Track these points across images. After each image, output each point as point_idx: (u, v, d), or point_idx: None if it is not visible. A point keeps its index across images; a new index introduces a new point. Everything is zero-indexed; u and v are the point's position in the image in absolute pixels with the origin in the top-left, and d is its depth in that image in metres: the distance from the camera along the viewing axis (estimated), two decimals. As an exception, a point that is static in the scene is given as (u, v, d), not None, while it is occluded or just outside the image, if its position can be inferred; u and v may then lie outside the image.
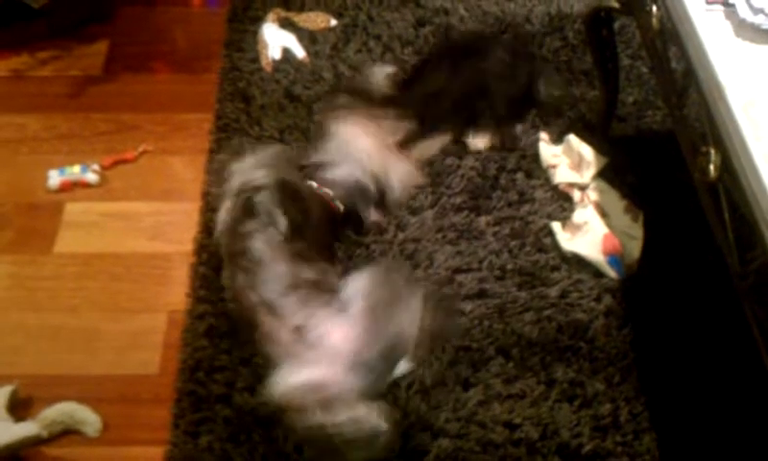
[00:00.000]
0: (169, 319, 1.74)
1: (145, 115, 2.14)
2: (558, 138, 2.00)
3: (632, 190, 1.88)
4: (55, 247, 1.88)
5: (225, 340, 1.66)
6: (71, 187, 1.97)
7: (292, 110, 2.10)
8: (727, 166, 1.29)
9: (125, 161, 2.03)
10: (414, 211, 1.88)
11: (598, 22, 1.83)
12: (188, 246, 1.84)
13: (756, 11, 1.36)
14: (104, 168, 2.01)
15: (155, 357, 1.68)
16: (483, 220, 1.86)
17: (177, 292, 1.77)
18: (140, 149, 2.05)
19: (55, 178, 1.98)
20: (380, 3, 2.39)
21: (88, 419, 1.58)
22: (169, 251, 1.86)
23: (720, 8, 1.41)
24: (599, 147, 1.94)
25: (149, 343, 1.71)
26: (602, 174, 1.91)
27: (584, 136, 1.96)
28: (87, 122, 2.13)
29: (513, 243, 1.82)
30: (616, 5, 1.74)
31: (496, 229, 1.85)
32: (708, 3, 1.42)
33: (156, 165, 2.03)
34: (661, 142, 1.97)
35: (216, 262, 1.77)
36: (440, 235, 1.83)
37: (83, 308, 1.78)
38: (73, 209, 1.95)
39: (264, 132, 2.05)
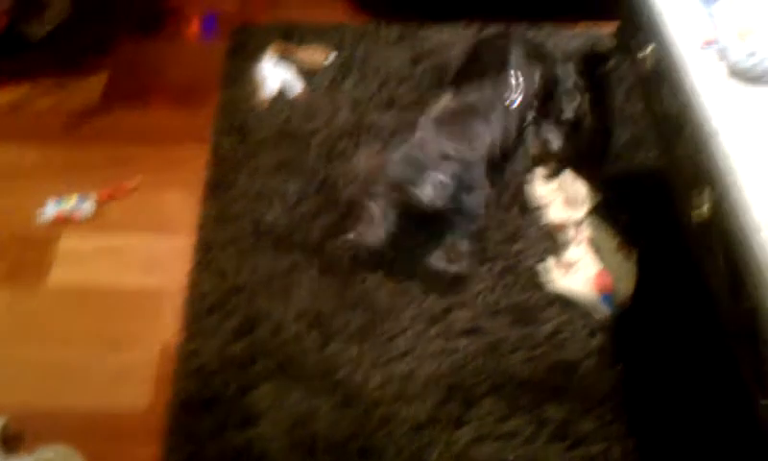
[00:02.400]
0: (161, 354, 1.72)
1: (141, 148, 2.15)
2: (552, 175, 2.00)
3: (624, 228, 1.89)
4: (49, 279, 1.87)
5: (216, 376, 1.66)
6: (66, 219, 1.97)
7: (288, 145, 2.11)
8: (719, 207, 1.29)
9: (121, 194, 2.04)
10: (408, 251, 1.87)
11: (593, 61, 1.85)
12: (181, 280, 1.83)
13: (750, 54, 1.37)
14: (99, 200, 2.02)
15: (146, 393, 1.67)
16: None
17: (169, 327, 1.76)
18: (136, 182, 2.05)
19: (50, 209, 1.98)
20: (377, 39, 2.41)
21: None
22: (162, 285, 1.85)
23: (714, 49, 1.43)
24: (593, 184, 1.95)
25: (140, 378, 1.70)
26: (595, 211, 1.92)
27: (578, 173, 1.97)
28: (84, 154, 2.13)
29: (505, 280, 1.82)
30: (612, 44, 1.76)
31: (488, 266, 1.85)
32: (702, 45, 1.44)
33: (151, 198, 2.04)
34: (654, 180, 1.97)
35: (209, 302, 1.76)
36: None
37: (75, 342, 1.77)
38: (68, 242, 1.94)
39: (260, 165, 2.05)
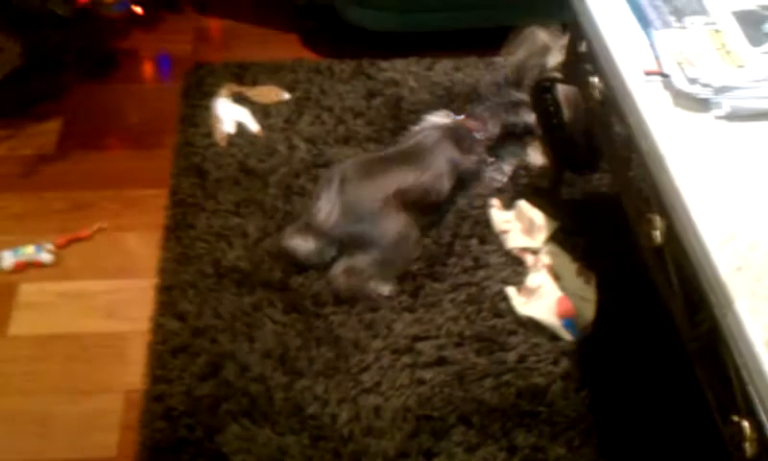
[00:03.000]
0: (126, 400, 1.71)
1: (99, 192, 2.14)
2: (509, 204, 2.04)
3: (583, 253, 1.93)
4: (9, 329, 1.85)
5: (183, 419, 1.65)
6: (25, 268, 1.95)
7: (247, 184, 2.12)
8: (670, 232, 1.33)
9: (79, 240, 2.02)
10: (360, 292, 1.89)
11: (543, 91, 1.89)
12: (144, 324, 1.82)
13: (692, 80, 1.42)
14: (58, 247, 2.00)
15: (112, 440, 1.65)
16: (439, 287, 1.89)
17: (133, 372, 1.75)
18: (95, 227, 2.04)
19: (8, 258, 1.95)
20: (331, 76, 2.44)
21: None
22: (125, 329, 1.84)
23: (658, 78, 1.48)
24: (549, 211, 1.99)
25: (106, 425, 1.68)
26: (553, 237, 1.96)
27: (534, 201, 2.01)
28: (41, 201, 2.12)
29: (469, 309, 1.85)
30: (559, 76, 1.81)
31: (453, 295, 1.87)
32: (646, 74, 1.49)
33: (110, 243, 2.03)
34: (610, 204, 2.03)
35: (173, 344, 1.76)
36: (397, 303, 1.85)
37: (37, 391, 1.74)
38: (27, 290, 1.92)
39: (220, 205, 2.06)
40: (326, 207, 1.84)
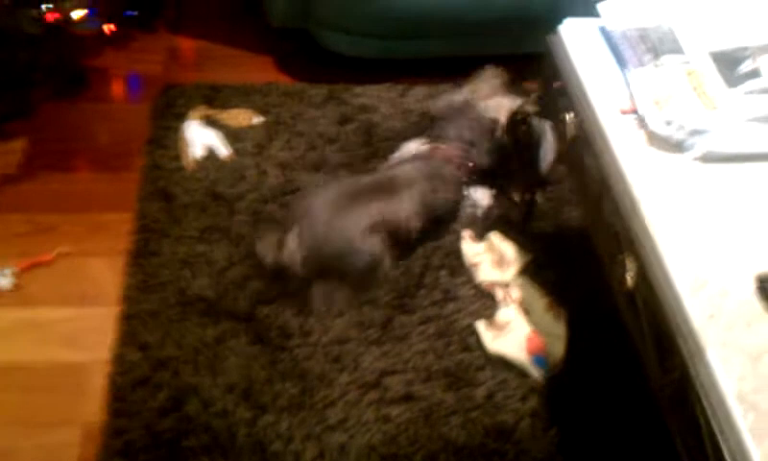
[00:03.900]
0: (85, 433, 1.65)
1: (63, 216, 2.09)
2: (480, 235, 2.02)
3: (553, 287, 1.91)
4: (-37, 357, 1.79)
5: (144, 455, 1.60)
6: (-18, 292, 1.90)
7: (214, 209, 2.07)
8: (642, 276, 1.31)
9: (41, 264, 1.97)
10: (338, 312, 1.85)
11: (516, 124, 1.88)
12: (105, 354, 1.77)
13: (666, 122, 1.41)
14: (19, 272, 1.94)
15: (69, 476, 1.61)
16: (408, 319, 1.85)
17: (92, 404, 1.69)
18: (56, 251, 1.99)
19: (-34, 283, 1.90)
20: (302, 100, 2.41)
21: None
22: (85, 360, 1.78)
23: (633, 118, 1.46)
24: (521, 244, 1.97)
25: (63, 459, 1.63)
26: (524, 271, 1.93)
27: (505, 234, 1.99)
28: (2, 223, 2.06)
29: (438, 343, 1.81)
30: (533, 110, 1.79)
31: (422, 328, 1.84)
32: (622, 113, 1.47)
33: (73, 268, 1.97)
34: (580, 239, 2.01)
35: (133, 376, 1.71)
36: (365, 336, 1.82)
37: (-8, 424, 1.69)
38: (-16, 316, 1.87)
39: (185, 231, 2.01)
40: (292, 246, 1.81)
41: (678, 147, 1.40)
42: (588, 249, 1.87)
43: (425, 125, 2.31)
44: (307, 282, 1.85)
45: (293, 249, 1.82)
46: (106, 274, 1.96)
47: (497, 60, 2.36)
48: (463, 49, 2.53)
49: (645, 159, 1.40)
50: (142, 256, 1.96)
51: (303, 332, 1.81)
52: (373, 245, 1.85)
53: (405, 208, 1.94)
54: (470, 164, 2.05)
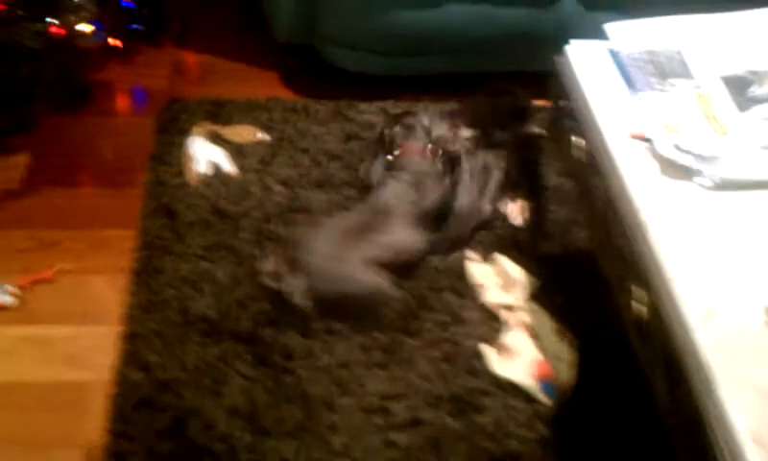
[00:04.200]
0: (85, 455, 1.62)
1: (66, 232, 2.07)
2: (485, 256, 2.00)
3: (562, 311, 1.88)
4: (-37, 375, 1.78)
5: (144, 479, 1.58)
6: (-15, 308, 1.88)
7: (219, 227, 2.06)
8: (652, 305, 1.29)
9: (43, 281, 1.95)
10: (342, 335, 1.83)
11: (524, 145, 1.86)
12: (106, 374, 1.74)
13: (677, 148, 1.39)
14: (21, 288, 1.92)
15: (69, 499, 1.59)
16: (413, 342, 1.83)
17: (93, 425, 1.67)
18: (58, 267, 1.97)
19: (-33, 299, 1.88)
20: (308, 116, 2.40)
21: None
22: (86, 379, 1.76)
23: (643, 143, 1.44)
24: (527, 266, 1.95)
25: (64, 482, 1.61)
26: (532, 295, 1.91)
27: (511, 255, 1.97)
28: (5, 239, 2.04)
29: (444, 367, 1.79)
30: (540, 132, 1.77)
31: (427, 351, 1.81)
32: (631, 137, 1.45)
33: (75, 286, 1.95)
34: (588, 260, 1.98)
35: (135, 397, 1.69)
36: (369, 359, 1.79)
37: (-9, 444, 1.67)
38: (-15, 333, 1.85)
39: (188, 249, 2.00)
40: (291, 288, 1.82)
41: (688, 173, 1.38)
42: (596, 271, 1.86)
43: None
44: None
45: (293, 289, 1.81)
46: (108, 291, 1.94)
47: (504, 77, 2.37)
48: (468, 66, 2.51)
49: (655, 186, 1.38)
50: (145, 274, 1.94)
51: (307, 354, 1.79)
52: (375, 279, 1.84)
53: (400, 235, 1.94)
54: (440, 151, 2.06)
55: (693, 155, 1.37)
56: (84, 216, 2.12)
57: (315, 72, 2.59)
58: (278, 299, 1.86)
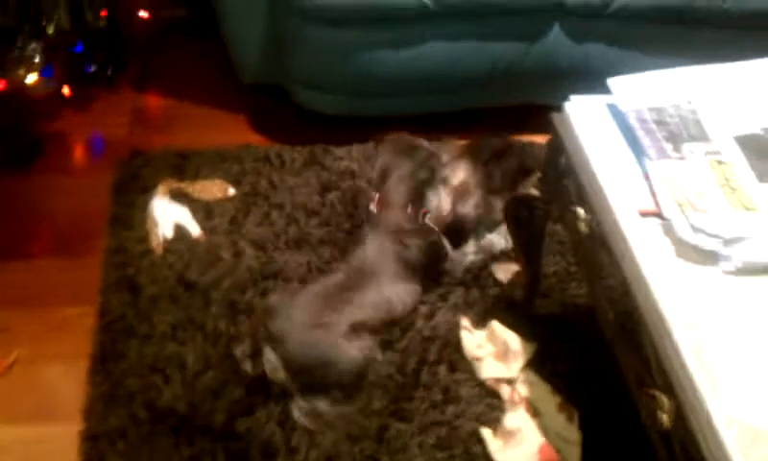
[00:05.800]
0: None
1: (18, 313, 1.87)
2: (479, 321, 1.84)
3: (563, 379, 1.73)
4: None
5: None
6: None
7: (187, 301, 1.88)
8: (678, 414, 1.14)
9: (-2, 374, 1.77)
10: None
11: (518, 206, 1.70)
12: (65, 486, 1.58)
13: (696, 229, 1.23)
14: (-31, 382, 1.74)
15: None
16: (406, 428, 1.67)
17: None
18: (11, 357, 1.78)
19: None
20: (282, 166, 2.22)
21: None
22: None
23: (657, 220, 1.28)
24: (524, 331, 1.80)
25: None
26: (531, 363, 1.76)
27: (507, 320, 1.82)
28: (-52, 325, 1.86)
29: (440, 455, 1.63)
30: (538, 193, 1.61)
31: (421, 438, 1.65)
32: (641, 214, 1.30)
33: (28, 377, 1.76)
34: (588, 318, 1.83)
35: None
36: (358, 451, 1.62)
37: None
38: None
39: (154, 329, 1.82)
40: (271, 363, 1.64)
41: (711, 258, 1.22)
42: (596, 330, 1.70)
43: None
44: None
45: (274, 363, 1.64)
46: (66, 383, 1.76)
47: (490, 113, 2.21)
48: (454, 104, 2.36)
49: (673, 271, 1.22)
50: (107, 361, 1.75)
51: (289, 449, 1.61)
52: (358, 347, 1.68)
53: (385, 294, 1.80)
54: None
55: (716, 238, 1.22)
56: (38, 293, 1.93)
57: (286, 113, 2.41)
58: (255, 384, 1.69)
